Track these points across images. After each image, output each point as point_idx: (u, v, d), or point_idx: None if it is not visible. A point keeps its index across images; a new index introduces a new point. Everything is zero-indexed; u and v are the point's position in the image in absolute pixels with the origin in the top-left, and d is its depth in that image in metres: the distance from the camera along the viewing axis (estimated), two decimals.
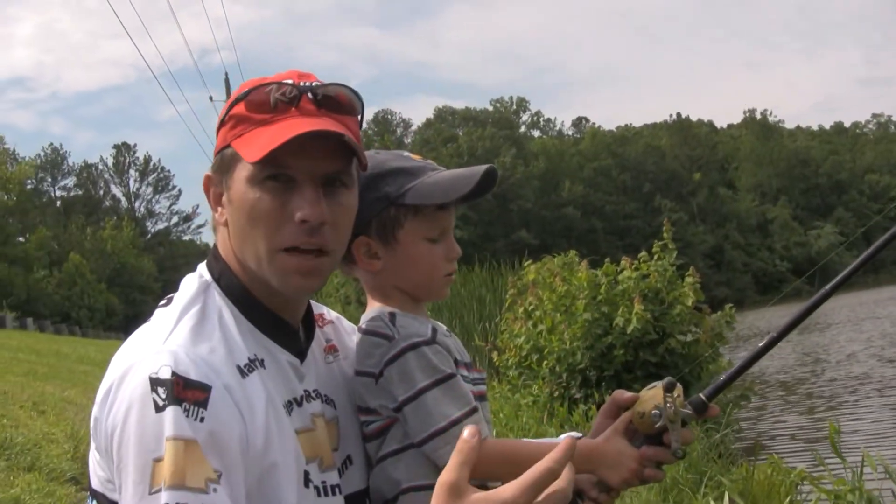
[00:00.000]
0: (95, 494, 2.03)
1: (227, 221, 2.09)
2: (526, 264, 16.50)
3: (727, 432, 10.45)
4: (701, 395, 2.29)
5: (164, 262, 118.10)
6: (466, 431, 1.81)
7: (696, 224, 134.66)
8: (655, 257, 13.57)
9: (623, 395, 2.39)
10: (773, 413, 17.31)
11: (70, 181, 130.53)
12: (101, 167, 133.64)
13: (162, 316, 2.07)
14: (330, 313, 2.52)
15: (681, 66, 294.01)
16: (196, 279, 2.16)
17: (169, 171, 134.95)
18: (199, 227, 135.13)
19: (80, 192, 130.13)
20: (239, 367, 1.99)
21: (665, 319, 13.04)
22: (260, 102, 2.03)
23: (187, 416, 1.82)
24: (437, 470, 2.23)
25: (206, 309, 2.07)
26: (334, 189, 2.09)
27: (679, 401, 2.24)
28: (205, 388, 1.87)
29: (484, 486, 2.34)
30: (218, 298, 2.10)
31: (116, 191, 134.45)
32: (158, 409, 1.81)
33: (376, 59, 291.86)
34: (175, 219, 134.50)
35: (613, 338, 12.88)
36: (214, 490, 1.80)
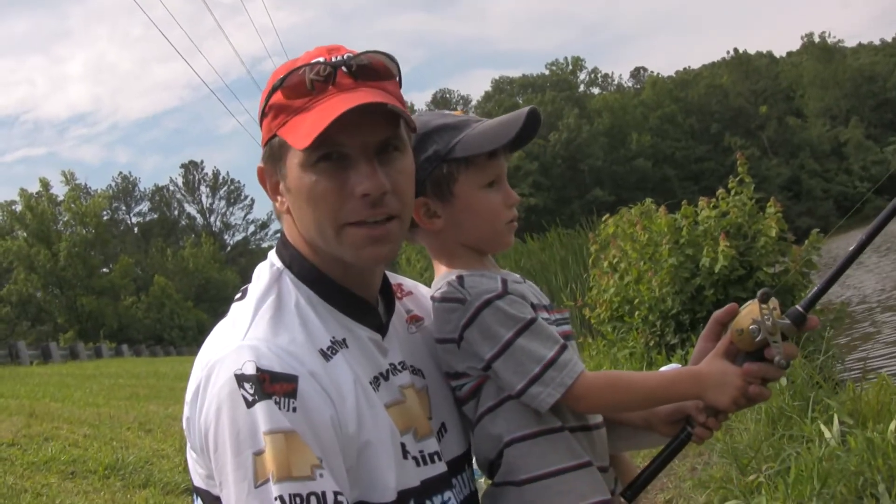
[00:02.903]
0: (199, 492, 2.06)
1: (289, 208, 2.10)
2: (604, 218, 16.41)
3: (829, 356, 10.32)
4: (797, 306, 2.26)
5: (247, 271, 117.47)
6: None
7: (769, 157, 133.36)
8: (733, 192, 13.44)
9: (721, 311, 2.37)
10: (882, 336, 17.07)
11: (144, 206, 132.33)
12: (171, 188, 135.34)
13: (239, 310, 2.10)
14: (407, 283, 2.52)
15: (731, 0, 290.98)
16: (267, 268, 2.19)
17: (239, 181, 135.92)
18: (277, 232, 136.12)
19: (155, 216, 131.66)
20: (322, 351, 2.01)
21: (750, 253, 12.91)
22: (296, 86, 2.03)
23: (280, 408, 1.85)
24: (537, 417, 2.24)
25: (282, 297, 2.09)
26: (388, 155, 2.09)
27: (776, 313, 2.22)
28: (291, 379, 1.89)
29: (586, 427, 2.35)
30: (291, 285, 2.12)
31: (190, 209, 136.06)
32: (249, 404, 1.84)
33: (426, 41, 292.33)
34: (252, 228, 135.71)
35: (701, 279, 12.77)
36: (321, 475, 1.83)
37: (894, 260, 36.56)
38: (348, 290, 2.15)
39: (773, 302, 2.23)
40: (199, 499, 2.07)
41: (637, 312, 13.51)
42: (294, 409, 1.85)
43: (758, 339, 2.22)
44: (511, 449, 2.26)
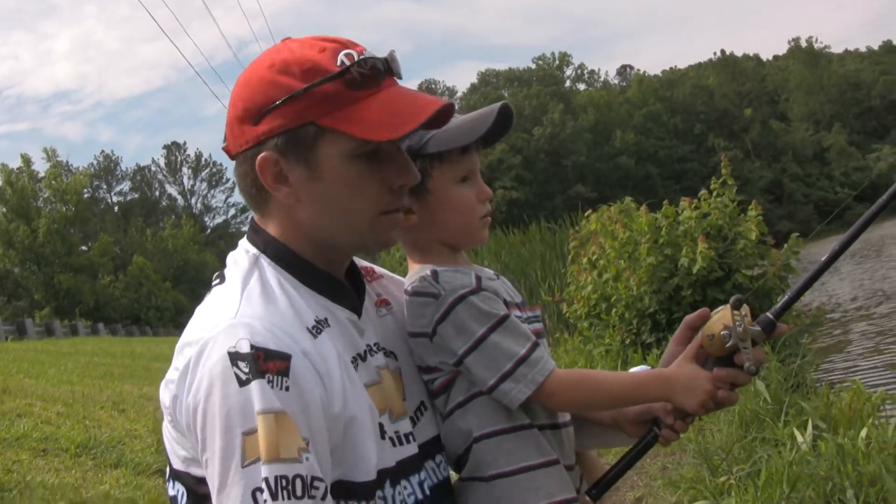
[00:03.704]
0: (178, 475, 2.04)
1: (303, 198, 2.08)
2: (586, 215, 16.45)
3: (804, 361, 10.37)
4: (768, 313, 2.28)
5: (226, 254, 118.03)
6: None
7: (751, 160, 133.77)
8: (715, 194, 13.48)
9: (692, 315, 2.39)
10: (854, 343, 17.14)
11: (125, 185, 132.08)
12: (153, 168, 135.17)
13: (223, 291, 2.09)
14: (378, 268, 2.54)
15: (721, 2, 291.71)
16: (243, 253, 2.18)
17: (221, 164, 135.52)
18: None
19: (136, 196, 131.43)
20: (309, 330, 2.01)
21: (730, 255, 12.95)
22: (366, 78, 2.04)
23: (272, 387, 1.84)
24: (507, 413, 2.25)
25: (264, 278, 2.09)
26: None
27: (747, 319, 2.23)
28: (285, 357, 1.89)
29: (555, 425, 2.36)
30: (269, 268, 2.12)
31: (171, 190, 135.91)
32: (242, 382, 1.83)
33: (414, 31, 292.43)
34: (232, 211, 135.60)
35: (679, 279, 12.81)
36: (307, 458, 1.83)
37: (868, 268, 36.73)
38: (324, 272, 2.16)
39: (745, 308, 2.24)
40: (176, 482, 2.06)
41: (614, 310, 13.54)
42: (286, 388, 1.85)
43: (728, 344, 2.23)
44: (480, 444, 2.26)
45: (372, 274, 2.47)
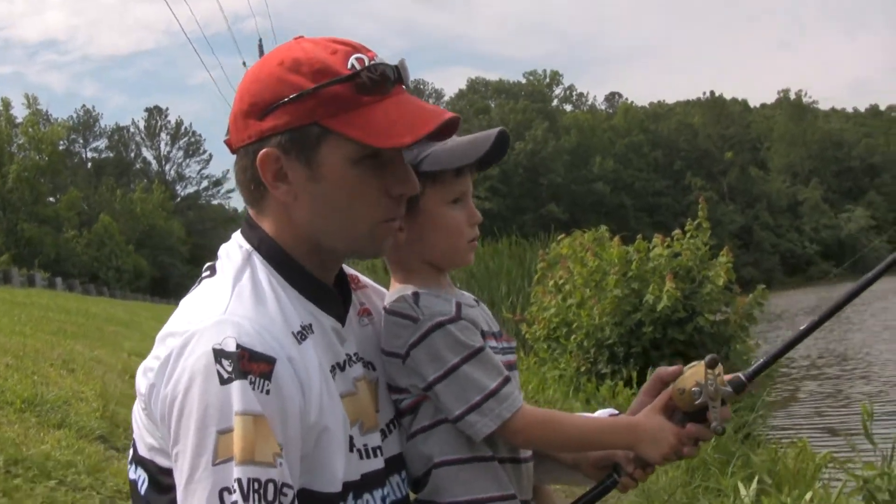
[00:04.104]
0: (142, 461, 2.03)
1: (301, 197, 2.08)
2: (559, 238, 16.49)
3: (756, 415, 10.44)
4: (741, 375, 2.30)
5: (193, 225, 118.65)
6: None
7: (725, 203, 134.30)
8: (688, 235, 13.55)
9: (666, 370, 2.39)
10: (803, 400, 17.25)
11: (102, 143, 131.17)
12: (132, 130, 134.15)
13: (213, 285, 2.08)
14: (363, 277, 2.53)
15: (716, 44, 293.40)
16: (237, 248, 2.16)
17: (200, 135, 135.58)
18: (229, 192, 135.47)
19: (111, 155, 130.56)
20: (294, 335, 2.01)
21: (695, 298, 13.05)
22: (377, 84, 2.04)
23: (254, 388, 1.84)
24: (470, 444, 2.25)
25: (256, 276, 2.08)
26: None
27: (720, 378, 2.25)
28: (270, 361, 1.88)
29: (516, 459, 2.36)
30: (261, 266, 2.11)
31: (147, 154, 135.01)
32: (224, 381, 1.83)
33: (411, 30, 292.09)
34: (205, 183, 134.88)
35: (643, 315, 12.90)
36: (280, 464, 1.83)
37: (827, 327, 36.91)
38: (314, 277, 2.16)
39: (719, 368, 2.26)
40: (139, 468, 2.04)
41: (574, 336, 13.60)
42: (267, 392, 1.85)
43: (698, 401, 2.24)
44: (440, 471, 2.26)
45: (357, 282, 2.46)
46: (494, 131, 2.32)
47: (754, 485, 6.37)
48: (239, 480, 1.78)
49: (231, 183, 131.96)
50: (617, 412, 2.56)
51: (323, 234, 2.11)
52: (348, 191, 2.06)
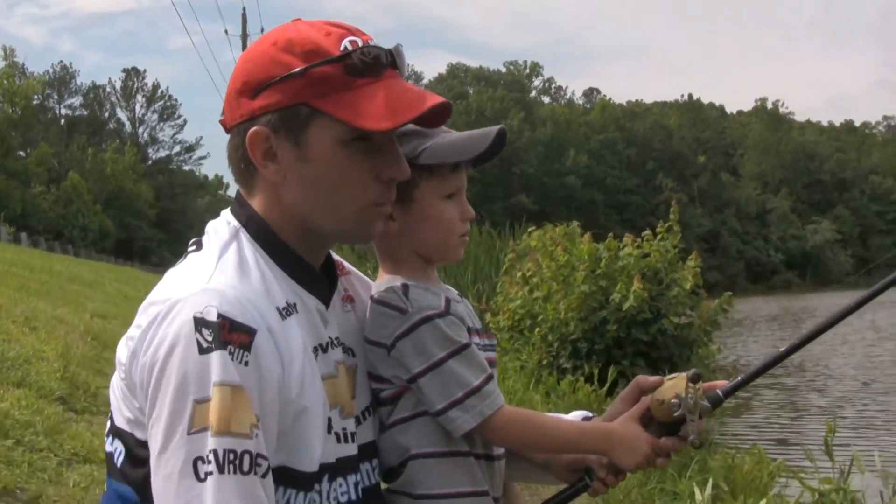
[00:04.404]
0: (120, 433, 2.02)
1: (290, 177, 2.08)
2: (530, 230, 16.50)
3: (716, 420, 10.51)
4: (719, 391, 2.31)
5: (163, 189, 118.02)
6: None
7: (695, 206, 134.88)
8: (659, 237, 13.60)
9: (646, 379, 2.41)
10: (757, 409, 17.32)
11: (76, 100, 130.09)
12: (108, 89, 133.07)
13: (198, 258, 2.07)
14: (347, 265, 2.53)
15: (699, 48, 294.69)
16: (224, 224, 2.15)
17: (176, 99, 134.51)
18: (201, 158, 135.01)
19: (85, 113, 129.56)
20: (279, 310, 2.00)
21: (661, 300, 13.11)
22: (369, 66, 2.04)
23: (233, 359, 1.83)
24: (448, 438, 2.26)
25: (242, 251, 2.07)
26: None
27: (700, 393, 2.26)
28: (250, 332, 1.88)
29: (490, 456, 2.37)
30: (247, 243, 2.10)
31: (122, 114, 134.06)
32: (203, 350, 1.82)
33: (397, 10, 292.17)
34: (177, 148, 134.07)
35: (608, 313, 12.95)
36: (257, 435, 1.82)
37: (783, 336, 37.17)
38: (300, 257, 2.15)
39: (700, 383, 2.27)
40: (116, 440, 2.03)
41: (538, 329, 13.63)
42: (246, 363, 1.84)
43: (676, 413, 2.25)
44: (415, 462, 2.27)
45: (341, 268, 2.45)
46: (494, 129, 2.32)
47: (709, 490, 6.41)
48: (214, 451, 1.77)
49: (203, 150, 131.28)
50: (591, 415, 2.57)
51: (311, 215, 2.11)
52: (336, 172, 2.06)
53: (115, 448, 2.03)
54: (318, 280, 2.20)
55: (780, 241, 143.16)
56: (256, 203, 2.14)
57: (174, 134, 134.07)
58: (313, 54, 2.02)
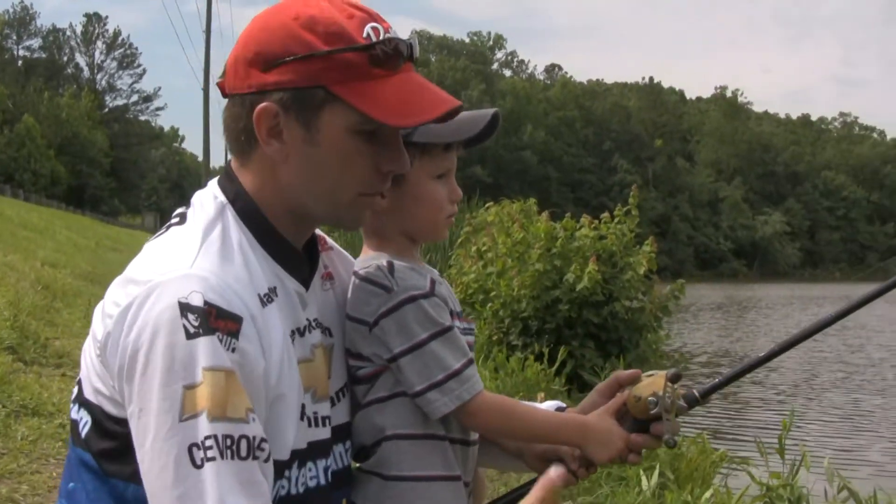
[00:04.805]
0: (88, 404, 1.97)
1: (293, 158, 2.04)
2: (487, 205, 16.51)
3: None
4: (695, 391, 2.31)
5: (118, 138, 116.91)
6: (553, 471, 2.18)
7: (648, 189, 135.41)
8: (617, 220, 13.66)
9: (624, 373, 2.41)
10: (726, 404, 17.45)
11: (35, 42, 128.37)
12: (68, 33, 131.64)
13: (181, 235, 2.02)
14: (329, 240, 2.50)
15: (663, 32, 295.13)
16: (211, 199, 2.10)
17: (136, 48, 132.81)
18: (158, 109, 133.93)
19: (43, 55, 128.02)
20: (259, 297, 1.97)
21: (615, 283, 13.19)
22: (390, 58, 2.00)
23: (222, 344, 1.80)
24: (425, 420, 2.25)
25: (227, 232, 2.02)
26: None
27: (677, 392, 2.26)
28: (237, 319, 1.85)
29: (465, 441, 2.37)
30: (233, 222, 2.06)
31: (80, 60, 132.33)
32: (190, 335, 1.78)
33: None
34: (135, 97, 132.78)
35: (561, 292, 13.00)
36: (253, 420, 1.80)
37: (725, 326, 37.52)
38: (284, 239, 2.12)
39: (678, 383, 2.27)
40: (83, 409, 1.99)
41: (490, 304, 13.66)
42: (234, 350, 1.81)
43: (652, 411, 2.25)
44: (390, 443, 2.25)
45: (323, 244, 2.42)
46: (489, 112, 2.31)
47: (655, 478, 6.46)
48: (210, 437, 1.74)
49: (161, 101, 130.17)
50: (565, 406, 2.57)
51: (306, 197, 2.07)
52: (341, 160, 2.03)
53: (81, 417, 1.99)
54: (300, 262, 2.16)
55: (730, 229, 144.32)
56: (248, 178, 2.10)
57: (132, 83, 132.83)
58: (337, 38, 1.97)
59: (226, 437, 1.76)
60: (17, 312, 10.05)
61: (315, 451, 2.11)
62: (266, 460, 1.84)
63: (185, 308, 1.79)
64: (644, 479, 6.38)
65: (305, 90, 1.98)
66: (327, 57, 1.96)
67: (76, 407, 2.02)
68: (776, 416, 14.88)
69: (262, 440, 1.82)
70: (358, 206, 2.11)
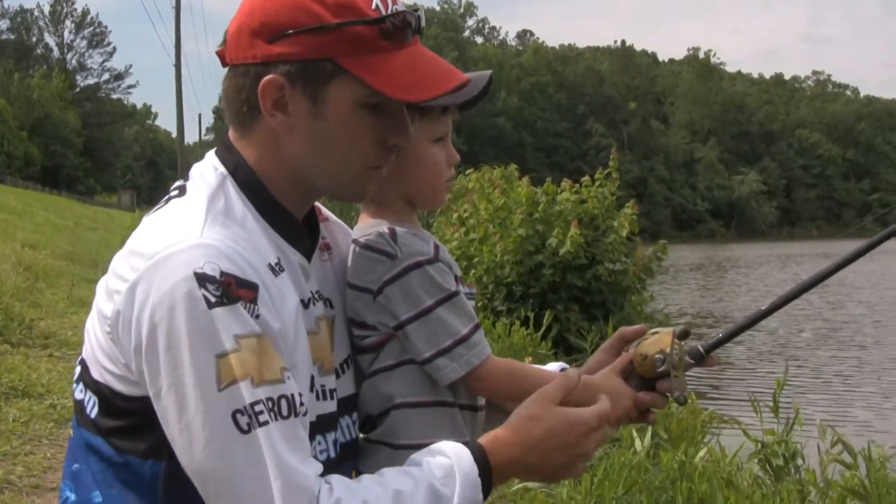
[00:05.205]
0: (95, 385, 1.93)
1: (298, 131, 2.00)
2: (467, 172, 16.48)
3: None
4: (700, 346, 2.30)
5: (90, 117, 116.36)
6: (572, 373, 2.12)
7: (623, 152, 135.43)
8: (597, 184, 13.67)
9: (629, 329, 2.39)
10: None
11: (3, 24, 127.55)
12: (36, 14, 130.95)
13: (184, 206, 1.97)
14: (325, 210, 2.46)
15: None
16: (211, 170, 2.05)
17: (106, 26, 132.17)
18: (130, 87, 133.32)
19: (11, 37, 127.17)
20: (271, 266, 1.94)
21: (597, 246, 13.20)
22: (398, 31, 1.97)
23: (247, 311, 1.78)
24: (433, 387, 2.23)
25: (230, 203, 1.98)
26: None
27: (684, 349, 2.25)
28: (253, 287, 1.82)
29: (473, 407, 2.35)
30: (234, 193, 2.01)
31: (50, 40, 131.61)
32: (212, 304, 1.75)
33: None
34: (106, 76, 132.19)
35: (544, 257, 13.01)
36: (288, 377, 1.80)
37: (705, 286, 37.66)
38: (287, 210, 2.08)
39: (686, 339, 2.26)
40: (88, 391, 1.95)
41: (473, 271, 13.65)
42: (257, 316, 1.79)
43: (660, 369, 2.24)
44: (398, 412, 2.23)
45: (320, 214, 2.39)
46: (486, 74, 2.30)
47: (648, 437, 6.47)
48: (254, 403, 1.74)
49: (132, 78, 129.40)
50: (567, 367, 2.55)
51: (309, 170, 2.04)
52: (346, 133, 1.99)
53: (88, 398, 1.96)
54: (302, 234, 2.12)
55: (706, 190, 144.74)
56: (249, 150, 2.05)
57: (103, 61, 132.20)
58: (346, 9, 1.93)
59: (268, 399, 1.75)
60: (1, 295, 10.02)
61: (323, 424, 2.08)
62: (305, 414, 1.83)
63: (201, 278, 1.76)
64: (637, 440, 6.39)
65: (313, 63, 1.95)
66: (336, 29, 1.92)
67: (80, 386, 1.98)
68: (758, 377, 15.00)
69: (299, 395, 1.81)
70: (362, 180, 2.08)
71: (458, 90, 2.07)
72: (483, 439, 1.99)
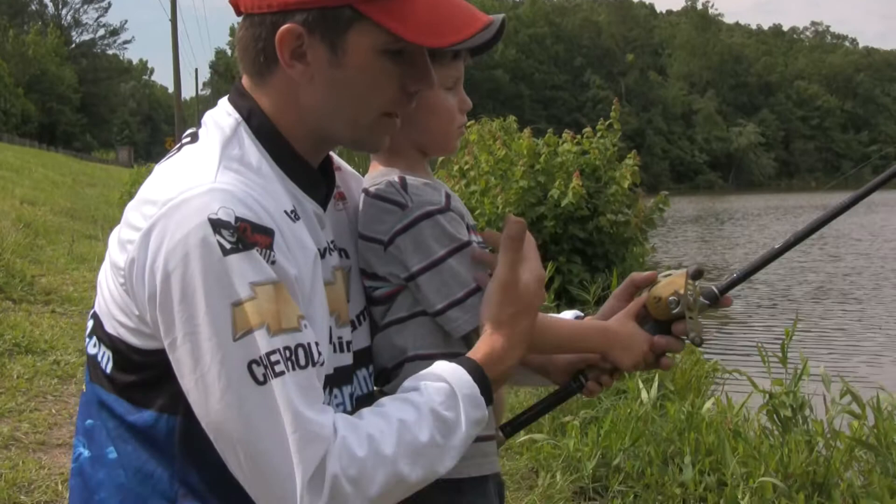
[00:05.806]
0: (109, 339, 1.89)
1: (317, 80, 1.94)
2: (468, 124, 16.42)
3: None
4: (714, 287, 2.26)
5: (86, 73, 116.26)
6: (512, 220, 2.04)
7: (622, 104, 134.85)
8: (599, 135, 13.63)
9: (640, 275, 2.36)
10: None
11: None
12: None
13: (197, 152, 1.92)
14: (337, 159, 2.42)
15: None
16: (224, 116, 2.00)
17: None
18: (126, 42, 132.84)
19: None
20: (286, 213, 1.89)
21: (599, 197, 13.17)
22: None
23: (263, 258, 1.74)
24: (446, 339, 2.19)
25: (245, 149, 1.94)
26: None
27: (697, 290, 2.21)
28: (269, 233, 1.77)
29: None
30: (248, 139, 1.96)
31: None
32: (227, 251, 1.71)
33: None
34: (101, 31, 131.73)
35: (546, 209, 13.00)
36: (305, 326, 1.76)
37: (706, 235, 37.65)
38: (303, 158, 2.02)
39: (700, 280, 2.23)
40: (102, 345, 1.91)
41: (475, 223, 13.61)
42: (273, 262, 1.74)
43: (674, 311, 2.20)
44: (412, 364, 2.18)
45: (333, 163, 2.35)
46: (499, 18, 2.24)
47: (654, 388, 6.47)
48: (271, 352, 1.70)
49: (128, 34, 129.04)
50: (582, 315, 2.52)
51: (328, 119, 1.98)
52: (368, 81, 1.93)
53: (102, 353, 1.91)
54: (318, 182, 2.07)
55: (704, 142, 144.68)
56: (265, 99, 2.00)
57: (98, 17, 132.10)
58: None
59: (286, 348, 1.71)
60: (1, 251, 9.99)
61: (340, 376, 2.04)
62: (322, 364, 1.80)
63: (216, 224, 1.71)
64: (644, 391, 6.38)
65: (331, 10, 1.88)
66: None
67: (93, 340, 1.94)
68: (756, 331, 15.00)
69: (317, 344, 1.77)
70: (381, 127, 2.01)
71: (482, 32, 1.99)
72: (473, 353, 1.99)
